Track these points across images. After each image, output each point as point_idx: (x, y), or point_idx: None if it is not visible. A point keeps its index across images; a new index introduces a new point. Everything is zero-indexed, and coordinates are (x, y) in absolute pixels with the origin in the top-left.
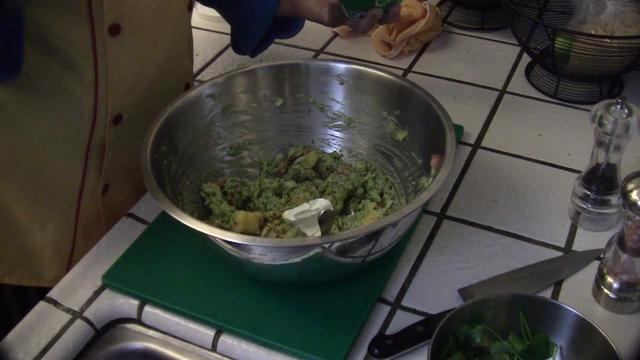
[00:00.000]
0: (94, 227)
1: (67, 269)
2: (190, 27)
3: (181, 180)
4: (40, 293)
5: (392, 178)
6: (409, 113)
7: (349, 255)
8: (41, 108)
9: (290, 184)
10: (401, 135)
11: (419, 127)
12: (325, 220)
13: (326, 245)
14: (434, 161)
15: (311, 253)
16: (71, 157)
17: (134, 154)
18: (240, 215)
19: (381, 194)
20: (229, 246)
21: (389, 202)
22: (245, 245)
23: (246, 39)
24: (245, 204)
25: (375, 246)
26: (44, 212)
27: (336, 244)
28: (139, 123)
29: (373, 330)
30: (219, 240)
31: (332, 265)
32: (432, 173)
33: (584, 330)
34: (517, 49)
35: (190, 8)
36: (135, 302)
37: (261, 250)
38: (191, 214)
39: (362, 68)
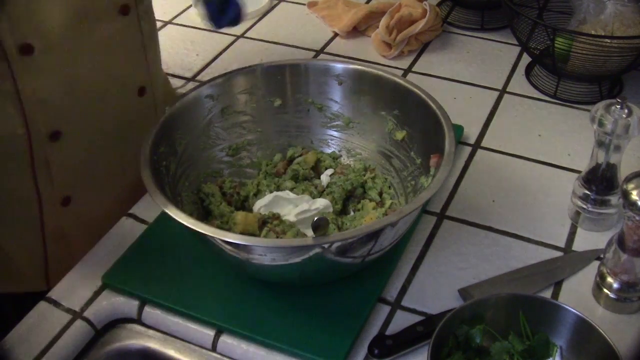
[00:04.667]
0: (69, 236)
1: (46, 276)
2: (141, 27)
3: (180, 181)
4: (36, 299)
5: (391, 178)
6: (408, 113)
7: (349, 256)
8: None
9: (289, 184)
10: (400, 135)
11: (418, 127)
12: (319, 226)
13: (326, 246)
14: (433, 161)
15: (311, 253)
16: (17, 173)
17: (96, 165)
18: (240, 215)
19: (380, 194)
20: (228, 247)
21: (388, 202)
22: (245, 245)
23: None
24: (244, 205)
25: (375, 246)
26: (6, 225)
27: (336, 244)
28: (86, 137)
29: (373, 331)
30: (219, 241)
31: (332, 266)
32: (432, 172)
33: (584, 331)
34: (517, 49)
35: (124, 11)
36: (135, 302)
37: (261, 251)
38: (190, 215)
39: (360, 68)
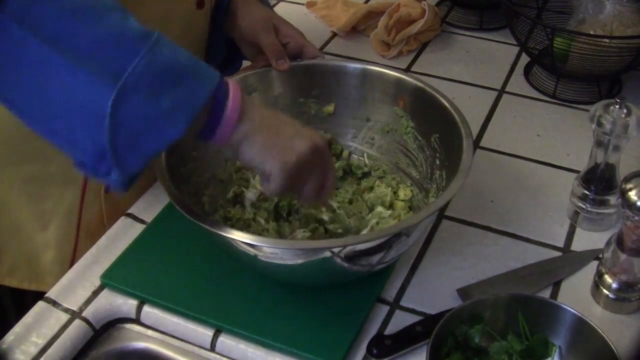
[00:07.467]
0: (97, 228)
1: None
2: (203, 29)
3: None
4: (38, 295)
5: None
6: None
7: (359, 263)
8: None
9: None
10: (330, 108)
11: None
12: None
13: (336, 250)
14: (400, 103)
15: (321, 256)
16: None
17: None
18: None
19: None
20: (244, 246)
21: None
22: (259, 246)
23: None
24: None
25: (388, 254)
26: (46, 210)
27: (348, 248)
28: None
29: (372, 330)
30: (230, 239)
31: (344, 270)
32: (400, 114)
33: (583, 330)
34: (516, 49)
35: (200, 4)
36: (134, 302)
37: (276, 251)
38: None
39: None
